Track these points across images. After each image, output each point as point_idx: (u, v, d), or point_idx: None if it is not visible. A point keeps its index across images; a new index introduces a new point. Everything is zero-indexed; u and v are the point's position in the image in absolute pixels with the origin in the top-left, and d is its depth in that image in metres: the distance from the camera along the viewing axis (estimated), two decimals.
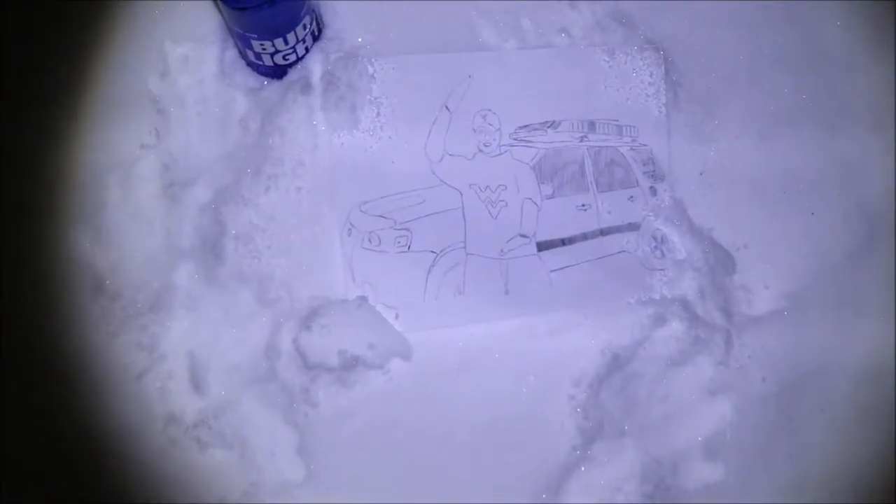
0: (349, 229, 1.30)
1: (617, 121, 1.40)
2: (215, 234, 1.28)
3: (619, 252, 1.39)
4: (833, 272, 1.44)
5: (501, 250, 1.33)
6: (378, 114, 1.32)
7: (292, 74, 1.33)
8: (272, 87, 1.33)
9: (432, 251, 1.31)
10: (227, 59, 1.35)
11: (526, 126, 1.37)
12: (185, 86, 1.33)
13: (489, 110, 1.36)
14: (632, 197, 1.40)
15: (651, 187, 1.41)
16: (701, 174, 1.42)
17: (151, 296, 1.28)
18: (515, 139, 1.36)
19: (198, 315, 1.29)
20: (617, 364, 1.33)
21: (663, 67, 1.42)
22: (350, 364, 1.24)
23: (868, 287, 1.42)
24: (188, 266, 1.30)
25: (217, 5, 1.25)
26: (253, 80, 1.35)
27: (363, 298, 1.28)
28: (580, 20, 1.41)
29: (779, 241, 1.45)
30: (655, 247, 1.39)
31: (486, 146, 1.35)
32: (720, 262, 1.39)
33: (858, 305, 1.42)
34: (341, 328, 1.25)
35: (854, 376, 1.40)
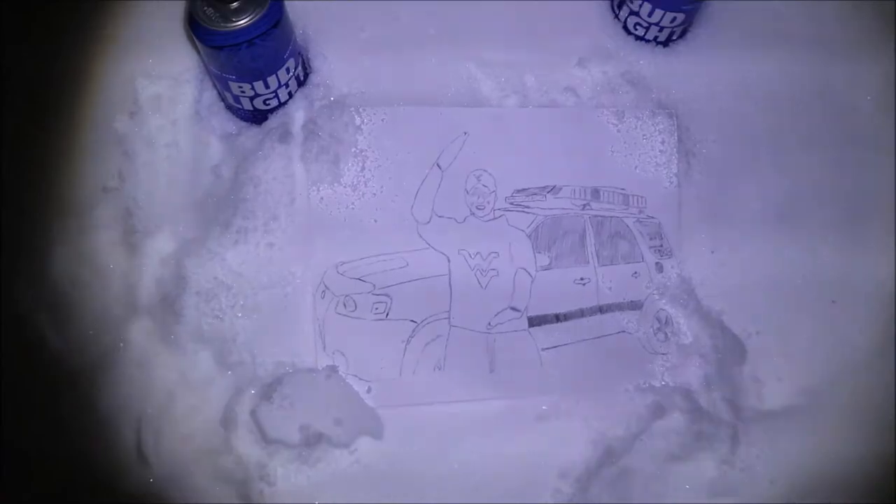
0: (323, 291, 1.24)
1: (623, 189, 1.36)
2: (176, 290, 1.22)
3: (619, 332, 1.33)
4: (856, 369, 1.38)
5: (489, 324, 1.28)
6: (363, 168, 1.28)
7: (272, 121, 1.30)
8: (250, 134, 1.30)
9: (412, 320, 1.26)
10: (205, 100, 1.32)
11: (524, 190, 1.33)
12: (156, 127, 1.31)
13: (484, 171, 1.32)
14: (636, 273, 1.34)
15: (657, 263, 1.35)
16: (713, 252, 1.37)
17: (99, 353, 1.20)
18: (511, 203, 1.32)
19: (151, 377, 1.21)
20: (610, 457, 1.27)
21: (676, 135, 1.37)
22: (312, 441, 1.17)
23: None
24: (144, 322, 1.25)
25: (194, 43, 1.19)
26: (231, 124, 1.32)
27: (333, 368, 1.23)
28: (588, 79, 1.39)
29: (796, 330, 1.39)
30: (659, 329, 1.33)
31: (480, 209, 1.30)
32: (729, 350, 1.34)
33: (884, 408, 1.33)
34: (305, 401, 1.19)
35: (874, 489, 1.29)
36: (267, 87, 1.24)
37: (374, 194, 1.29)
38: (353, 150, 1.29)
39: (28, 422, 1.20)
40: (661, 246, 1.37)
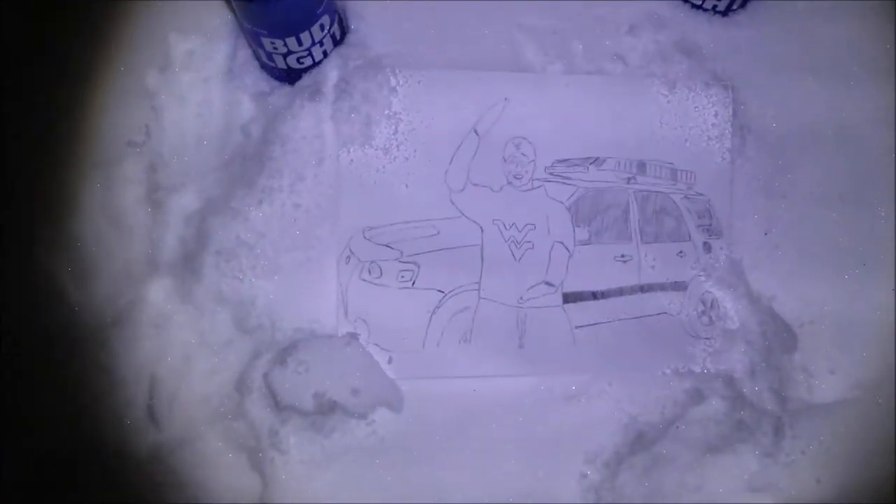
0: (348, 257, 1.21)
1: (672, 164, 1.30)
2: (196, 248, 1.18)
3: (660, 314, 1.27)
4: None
5: (521, 298, 1.23)
6: (396, 131, 1.25)
7: (305, 80, 1.24)
8: (282, 93, 1.26)
9: (440, 290, 1.22)
10: (239, 59, 1.31)
11: (565, 160, 1.28)
12: (187, 83, 1.29)
13: (524, 139, 1.27)
14: (681, 252, 1.28)
15: (705, 243, 1.29)
16: (766, 234, 1.30)
17: (118, 310, 1.18)
18: (551, 174, 1.27)
19: (167, 336, 1.19)
20: (642, 443, 1.21)
21: (731, 108, 1.31)
22: (326, 409, 1.14)
23: None
24: (164, 281, 1.23)
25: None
26: (264, 83, 1.30)
27: (353, 336, 1.19)
28: (639, 47, 1.34)
29: (853, 320, 1.32)
30: (703, 312, 1.27)
31: (517, 178, 1.26)
32: (779, 338, 1.27)
33: None
34: (322, 367, 1.15)
35: None
36: (300, 44, 1.21)
37: (407, 159, 1.25)
38: (387, 112, 1.26)
39: (41, 378, 1.18)
40: (710, 225, 1.31)
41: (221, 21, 1.32)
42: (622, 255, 1.28)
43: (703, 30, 1.35)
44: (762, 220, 1.32)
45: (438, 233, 1.25)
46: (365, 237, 1.24)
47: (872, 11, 1.38)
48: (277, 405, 1.17)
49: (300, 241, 1.23)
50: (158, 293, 1.24)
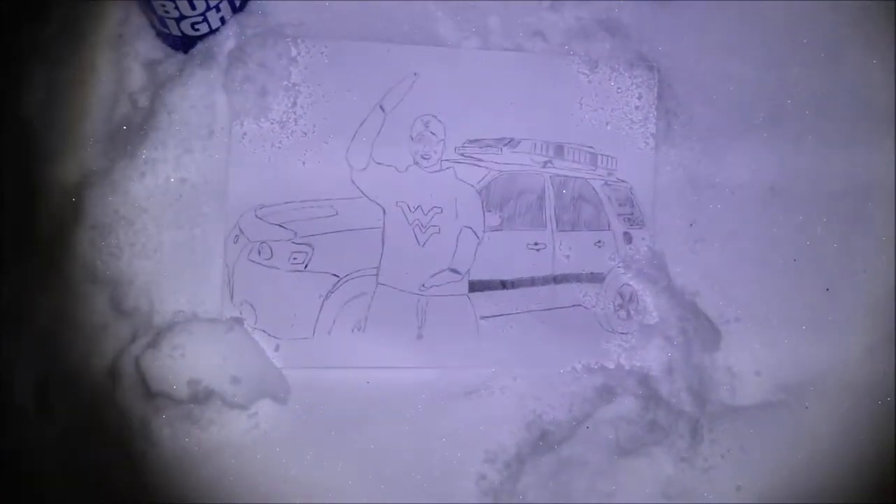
0: (237, 236, 1.13)
1: (591, 148, 1.23)
2: (70, 221, 1.09)
3: (573, 306, 1.20)
4: (847, 367, 1.24)
5: (423, 285, 1.16)
6: (294, 104, 1.18)
7: (198, 46, 1.16)
8: (175, 61, 1.17)
9: (335, 274, 1.15)
10: (132, 24, 1.21)
11: (477, 141, 1.21)
12: (70, 46, 1.16)
13: (433, 117, 1.20)
14: (599, 242, 1.21)
15: (626, 233, 1.22)
16: (691, 226, 1.24)
17: None
18: (462, 154, 1.20)
19: (33, 320, 1.09)
20: (546, 443, 1.13)
21: (656, 90, 1.24)
22: (202, 398, 1.04)
23: (889, 390, 1.17)
24: (34, 258, 1.10)
25: None
26: (159, 51, 1.22)
27: (237, 320, 1.11)
28: (560, 24, 1.27)
29: (781, 319, 1.27)
30: (621, 305, 1.20)
31: (425, 158, 1.19)
32: (701, 335, 1.20)
33: (876, 413, 1.17)
34: (199, 353, 1.05)
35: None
36: (193, 7, 1.14)
37: (305, 133, 1.18)
38: (285, 83, 1.18)
39: None
40: (632, 214, 1.23)
41: None
42: (535, 243, 1.21)
43: (630, 8, 1.29)
44: (687, 211, 1.25)
45: (336, 213, 1.17)
46: (256, 215, 1.16)
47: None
48: (148, 392, 1.06)
49: (185, 217, 1.15)
50: (28, 275, 1.13)
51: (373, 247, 1.17)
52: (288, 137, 1.18)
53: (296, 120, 1.19)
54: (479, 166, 1.22)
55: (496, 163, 1.22)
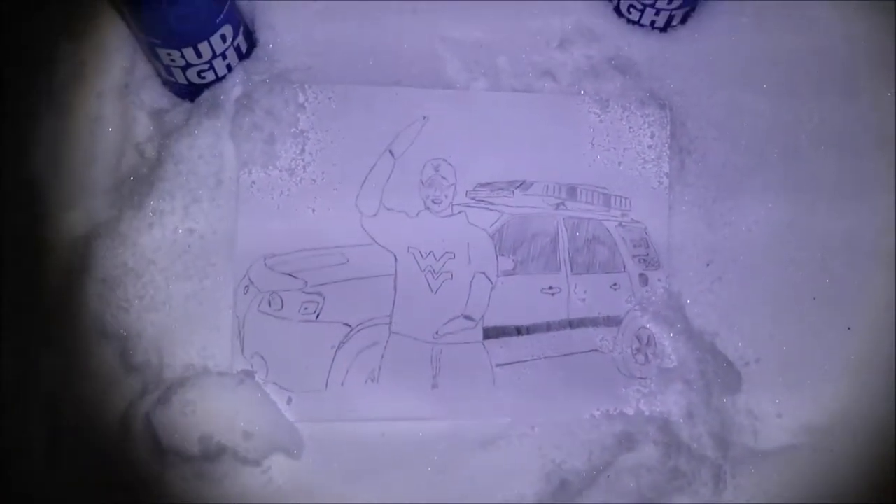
0: (246, 286, 1.12)
1: (605, 189, 1.22)
2: (78, 274, 1.07)
3: (590, 351, 1.18)
4: (871, 407, 1.20)
5: (437, 332, 1.14)
6: (303, 150, 1.17)
7: (204, 95, 1.15)
8: (181, 109, 1.17)
9: (346, 324, 1.13)
10: (138, 73, 1.20)
11: (488, 184, 1.20)
12: (79, 95, 1.15)
13: (443, 160, 1.20)
14: (615, 284, 1.20)
15: (641, 275, 1.20)
16: (708, 265, 1.21)
17: None
18: (473, 198, 1.19)
19: (42, 375, 1.08)
20: (566, 493, 1.11)
21: (669, 128, 1.22)
22: (213, 454, 1.03)
23: None
24: (39, 313, 1.09)
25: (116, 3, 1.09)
26: (165, 100, 1.23)
27: (248, 373, 1.09)
28: (569, 63, 1.26)
29: (802, 359, 1.24)
30: (638, 349, 1.18)
31: (436, 203, 1.18)
32: (721, 378, 1.18)
33: None
34: (211, 408, 1.03)
35: None
36: (199, 55, 1.13)
37: (314, 181, 1.17)
38: (293, 129, 1.17)
39: None
40: (647, 255, 1.22)
41: (116, 33, 1.20)
42: (550, 287, 1.19)
43: (640, 45, 1.28)
44: (703, 250, 1.24)
45: (347, 261, 1.16)
46: (266, 265, 1.14)
47: (819, 27, 1.29)
48: (158, 448, 1.05)
49: (193, 269, 1.14)
50: (37, 328, 1.12)
51: (385, 295, 1.16)
52: (297, 185, 1.17)
53: (304, 167, 1.18)
54: (491, 210, 1.20)
55: (508, 206, 1.20)
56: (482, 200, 1.20)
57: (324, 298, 1.14)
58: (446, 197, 1.19)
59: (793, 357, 1.21)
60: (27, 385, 1.11)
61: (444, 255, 1.17)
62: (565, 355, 1.18)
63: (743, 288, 1.23)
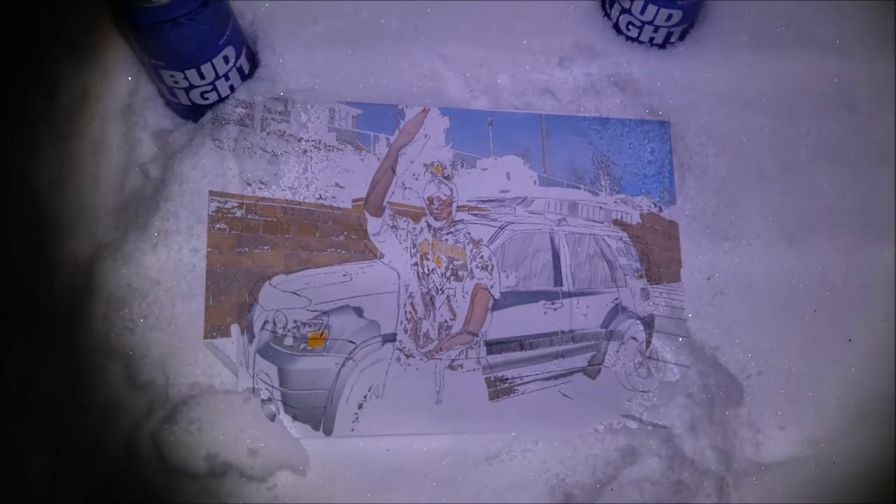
0: (251, 305, 1.11)
1: (605, 204, 1.22)
2: (82, 295, 1.09)
3: (592, 365, 1.17)
4: (874, 418, 1.22)
5: (440, 348, 1.14)
6: (306, 169, 1.16)
7: (208, 115, 1.17)
8: (185, 130, 1.18)
9: (351, 341, 1.13)
10: (141, 95, 1.21)
11: (490, 200, 1.19)
12: (80, 118, 1.17)
13: (445, 177, 1.20)
14: (616, 299, 1.20)
15: (643, 289, 1.21)
16: (709, 279, 1.22)
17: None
18: (475, 215, 1.19)
19: (47, 395, 1.11)
20: None
21: (669, 144, 1.22)
22: (220, 472, 1.04)
23: None
24: (45, 331, 1.11)
25: (120, 26, 1.11)
26: (168, 121, 1.24)
27: (254, 391, 1.09)
28: (570, 81, 1.28)
29: (805, 372, 1.25)
30: (641, 363, 1.19)
31: (438, 219, 1.17)
32: (724, 391, 1.20)
33: None
34: (216, 425, 1.05)
35: None
36: (202, 77, 1.15)
37: (318, 199, 1.17)
38: (296, 149, 1.18)
39: None
40: (649, 270, 1.23)
41: (119, 55, 1.23)
42: (552, 303, 1.21)
43: (639, 62, 1.30)
44: (704, 264, 1.25)
45: (351, 279, 1.17)
46: (271, 284, 1.15)
47: (817, 43, 1.32)
48: (165, 466, 1.06)
49: (199, 287, 1.14)
50: (42, 348, 1.13)
51: (388, 312, 1.18)
52: (300, 204, 1.18)
53: (307, 185, 1.19)
54: (493, 226, 1.21)
55: (510, 221, 1.22)
56: (484, 216, 1.22)
57: (328, 316, 1.16)
58: (449, 214, 1.21)
59: (794, 369, 1.22)
60: (32, 405, 1.12)
61: (446, 270, 1.19)
62: (567, 370, 1.19)
63: (744, 301, 1.24)
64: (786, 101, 1.31)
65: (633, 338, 1.22)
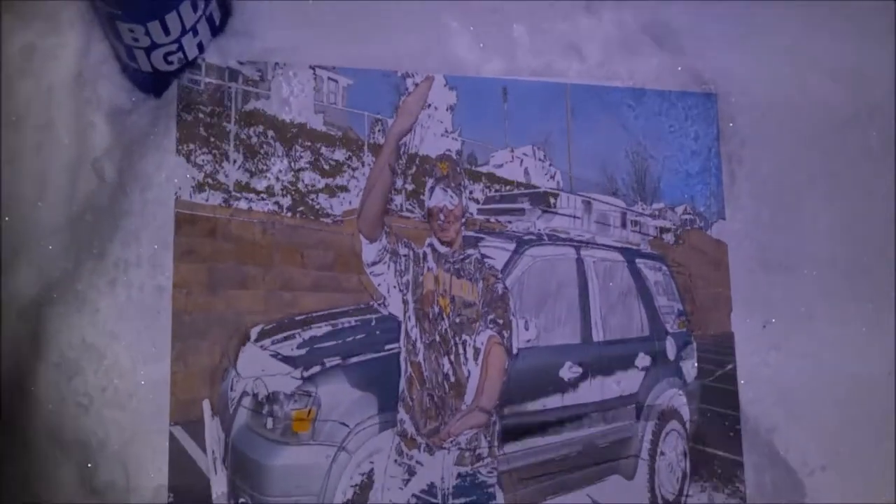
0: (225, 370, 1.02)
1: (641, 217, 1.27)
2: (29, 357, 1.10)
3: (628, 457, 1.09)
4: None
5: (448, 433, 1.19)
6: (289, 168, 1.28)
7: (173, 88, 1.33)
8: (145, 109, 1.37)
9: (344, 424, 1.12)
10: (93, 56, 1.35)
11: (506, 211, 1.20)
12: (26, 94, 1.15)
13: (450, 175, 1.16)
14: (654, 359, 1.17)
15: (687, 345, 1.24)
16: (765, 327, 1.11)
17: None
18: (488, 232, 1.20)
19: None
20: None
21: (717, 126, 1.17)
22: None
23: None
24: None
25: None
26: (125, 96, 1.37)
27: (230, 496, 0.97)
28: (599, 33, 1.38)
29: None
30: (685, 454, 1.13)
31: (444, 239, 1.16)
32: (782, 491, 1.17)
33: None
34: None
35: None
36: (167, 32, 1.40)
37: (303, 208, 1.16)
38: (278, 138, 1.11)
39: None
40: (693, 313, 1.11)
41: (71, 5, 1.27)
42: (580, 364, 1.10)
43: (681, 7, 1.31)
44: (758, 303, 1.07)
45: (342, 329, 1.08)
46: (250, 342, 0.98)
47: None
48: None
49: (163, 345, 1.12)
50: None
51: (387, 378, 1.13)
52: (284, 223, 1.17)
53: (291, 188, 1.18)
54: (508, 250, 1.06)
55: (528, 242, 1.06)
56: (497, 236, 1.03)
57: (316, 387, 1.01)
58: (457, 232, 1.07)
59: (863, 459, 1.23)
60: None
61: (454, 315, 1.03)
62: (598, 463, 1.05)
63: (804, 359, 1.10)
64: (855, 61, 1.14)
65: (676, 412, 1.03)
